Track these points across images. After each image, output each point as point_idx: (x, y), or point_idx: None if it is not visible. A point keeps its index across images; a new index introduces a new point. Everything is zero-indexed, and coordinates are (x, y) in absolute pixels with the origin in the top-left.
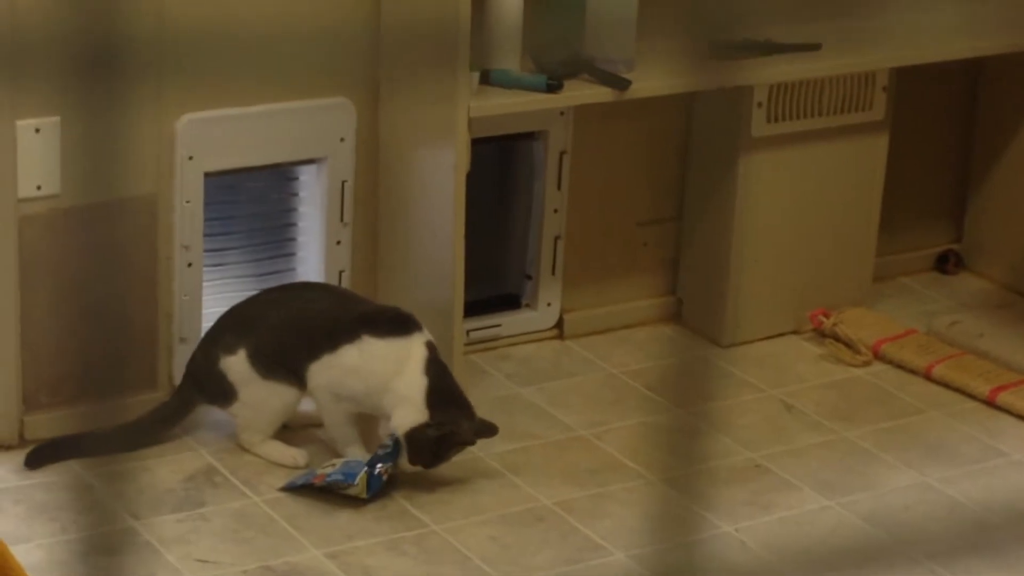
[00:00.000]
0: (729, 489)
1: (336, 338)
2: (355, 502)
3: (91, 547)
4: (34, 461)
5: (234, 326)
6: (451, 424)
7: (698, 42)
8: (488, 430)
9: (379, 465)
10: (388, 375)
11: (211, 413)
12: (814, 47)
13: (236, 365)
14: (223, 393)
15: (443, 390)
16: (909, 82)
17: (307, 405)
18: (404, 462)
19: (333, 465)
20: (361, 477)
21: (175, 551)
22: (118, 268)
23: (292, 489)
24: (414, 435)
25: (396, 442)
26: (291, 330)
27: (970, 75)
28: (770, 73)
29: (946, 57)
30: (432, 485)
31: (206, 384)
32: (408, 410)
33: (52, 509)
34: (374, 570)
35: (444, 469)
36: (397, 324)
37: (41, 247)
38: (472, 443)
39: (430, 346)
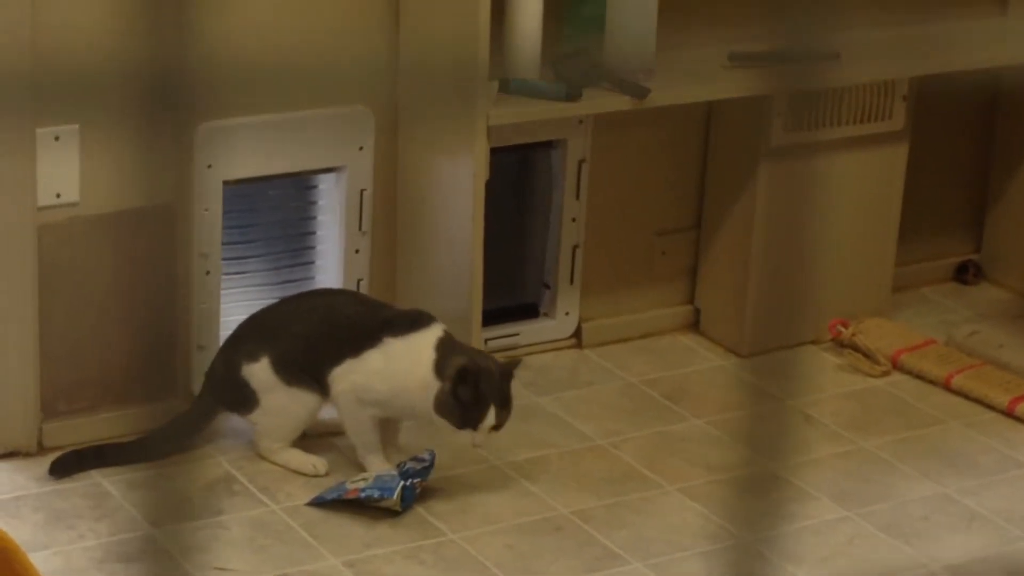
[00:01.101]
0: (747, 499)
1: (359, 343)
2: (373, 510)
3: (109, 555)
4: (58, 470)
5: (256, 333)
6: (458, 365)
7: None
8: (510, 364)
9: (414, 480)
10: (408, 370)
11: (229, 421)
12: (833, 57)
13: (259, 372)
14: (244, 400)
15: (449, 352)
16: (929, 92)
17: (326, 413)
18: (471, 437)
19: (365, 480)
20: (398, 491)
21: (193, 559)
22: (136, 276)
23: (321, 504)
24: (437, 406)
25: (433, 457)
26: (315, 337)
27: (990, 85)
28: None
29: (966, 67)
30: (450, 494)
31: (226, 392)
32: (428, 393)
33: (70, 516)
34: None
35: (461, 478)
36: (414, 321)
37: (60, 255)
38: (489, 369)
39: (446, 332)
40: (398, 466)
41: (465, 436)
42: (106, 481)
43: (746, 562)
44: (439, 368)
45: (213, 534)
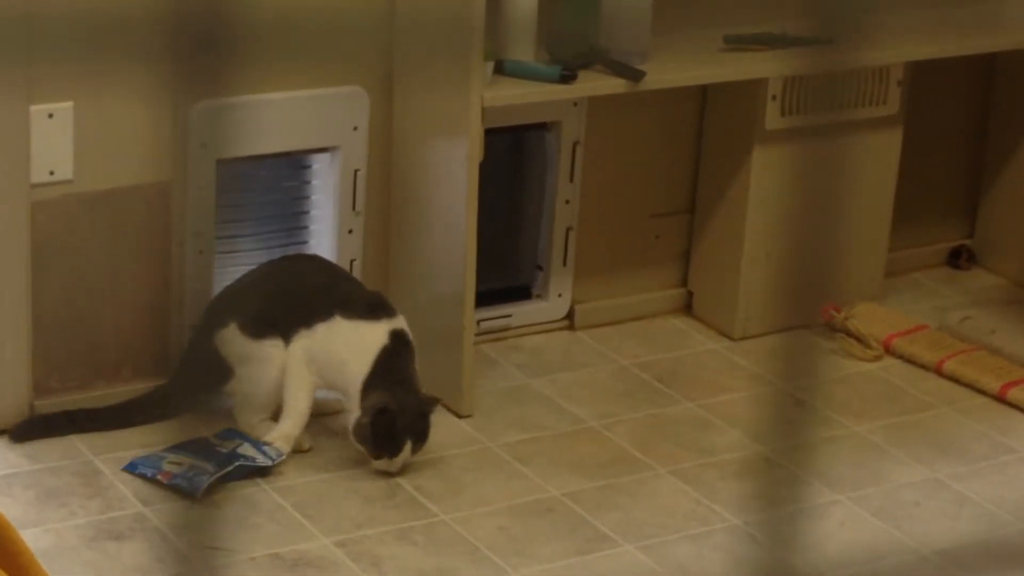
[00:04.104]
0: (738, 482)
1: (312, 316)
2: (367, 489)
3: (100, 532)
4: (20, 435)
5: (222, 303)
6: (380, 404)
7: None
8: (430, 402)
9: (242, 474)
10: (344, 356)
11: (217, 399)
12: (829, 41)
13: (228, 337)
14: (218, 373)
15: (383, 375)
16: (924, 77)
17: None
18: (376, 463)
19: (180, 465)
20: (202, 491)
21: (184, 537)
22: (129, 254)
23: (133, 472)
24: (354, 431)
25: (279, 460)
26: (278, 298)
27: (985, 71)
28: (785, 66)
29: (961, 52)
30: (442, 475)
31: (201, 368)
32: (352, 407)
33: (62, 494)
34: (383, 559)
35: (453, 460)
36: (368, 308)
37: (53, 233)
38: (409, 405)
39: (395, 335)
40: (237, 447)
41: (379, 464)
42: (98, 460)
43: (737, 545)
44: (366, 388)
45: (204, 513)
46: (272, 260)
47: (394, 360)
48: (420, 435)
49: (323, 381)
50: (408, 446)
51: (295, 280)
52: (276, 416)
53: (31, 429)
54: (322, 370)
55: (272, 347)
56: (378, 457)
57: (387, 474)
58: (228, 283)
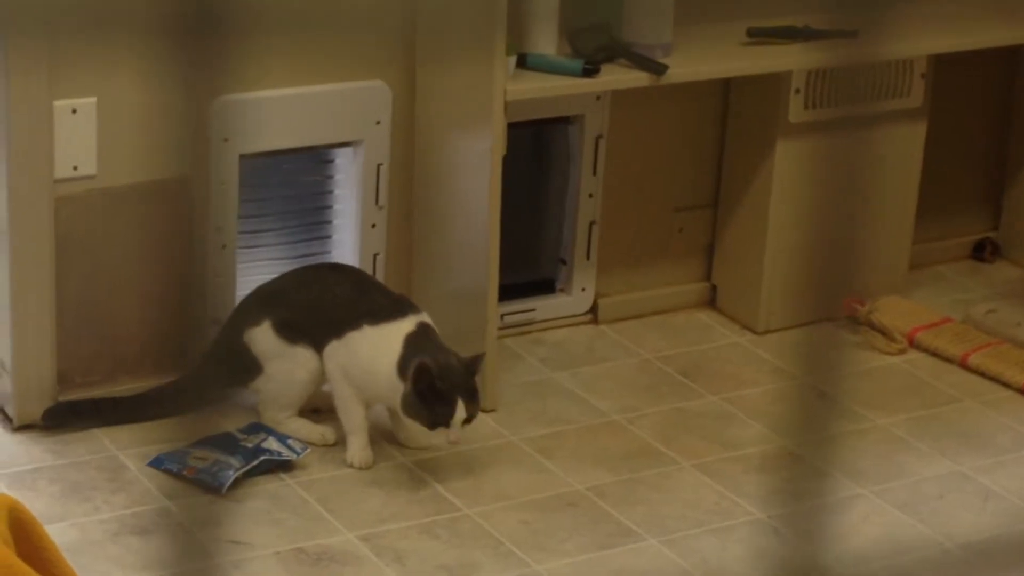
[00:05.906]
0: (762, 476)
1: (343, 327)
2: (388, 484)
3: (124, 527)
4: (50, 418)
5: (257, 302)
6: (418, 362)
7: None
8: (473, 361)
9: (267, 468)
10: (375, 357)
11: (240, 394)
12: (851, 34)
13: (260, 336)
14: (247, 369)
15: (414, 351)
16: (947, 69)
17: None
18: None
19: (204, 460)
20: (227, 486)
21: (208, 532)
22: (152, 249)
23: (159, 467)
24: (404, 408)
25: (303, 454)
26: (313, 307)
27: (1008, 63)
28: (808, 59)
29: (985, 44)
30: (465, 469)
31: (229, 363)
32: (393, 388)
33: (86, 489)
34: (406, 553)
35: (476, 454)
36: (392, 310)
37: (76, 228)
38: (450, 364)
39: (420, 325)
40: (262, 442)
41: (439, 436)
42: (122, 454)
43: (760, 539)
44: (402, 367)
45: (228, 508)
46: (307, 267)
47: (421, 339)
48: (471, 393)
49: (363, 394)
50: (461, 404)
51: (328, 292)
52: (303, 413)
53: (59, 413)
54: (357, 381)
55: (303, 353)
56: (435, 427)
57: (452, 444)
58: (260, 282)
